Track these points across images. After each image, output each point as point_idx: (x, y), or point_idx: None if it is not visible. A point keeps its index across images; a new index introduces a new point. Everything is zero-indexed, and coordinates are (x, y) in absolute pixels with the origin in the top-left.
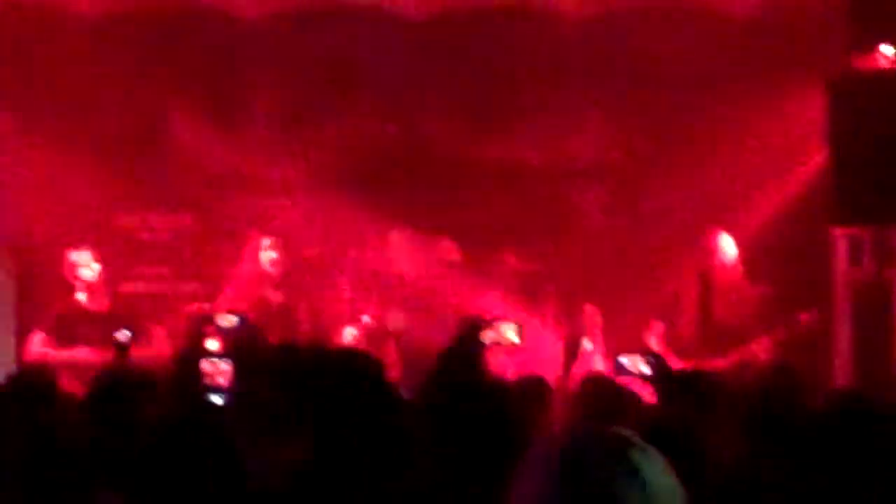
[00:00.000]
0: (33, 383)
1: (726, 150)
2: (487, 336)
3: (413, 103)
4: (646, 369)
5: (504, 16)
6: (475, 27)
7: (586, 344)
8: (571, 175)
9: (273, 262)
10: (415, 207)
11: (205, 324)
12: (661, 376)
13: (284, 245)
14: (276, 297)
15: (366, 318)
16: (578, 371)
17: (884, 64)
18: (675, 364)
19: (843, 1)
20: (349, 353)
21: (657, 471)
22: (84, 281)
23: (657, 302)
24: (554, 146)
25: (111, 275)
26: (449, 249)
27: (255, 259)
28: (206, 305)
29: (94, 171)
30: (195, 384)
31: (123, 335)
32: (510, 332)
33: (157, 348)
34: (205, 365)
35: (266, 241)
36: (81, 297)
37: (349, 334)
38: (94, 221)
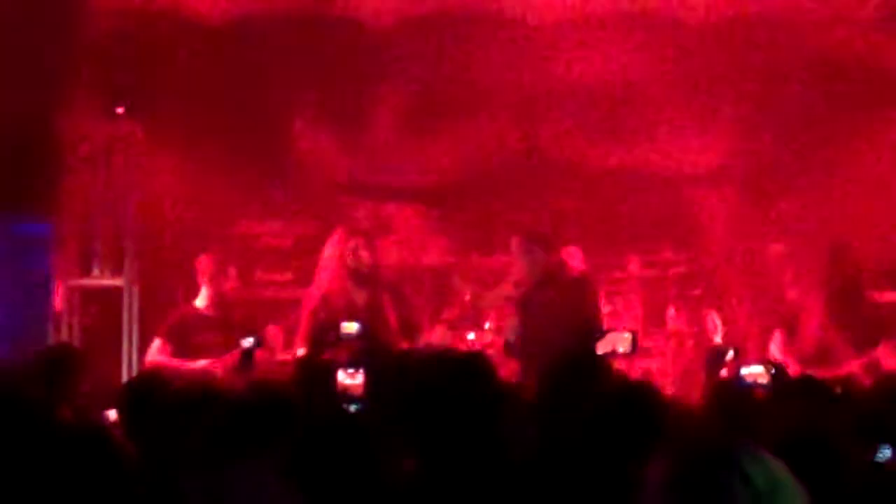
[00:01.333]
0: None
1: (852, 158)
2: (601, 346)
3: (536, 110)
4: (765, 380)
5: (627, 20)
6: (596, 32)
7: (731, 353)
8: (695, 181)
9: (361, 262)
10: (538, 214)
11: (327, 331)
12: (782, 385)
13: (370, 244)
14: (361, 297)
15: (487, 325)
16: (723, 380)
17: None
18: (796, 371)
19: None
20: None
21: (770, 479)
22: (207, 287)
23: (780, 309)
24: (678, 152)
25: (234, 281)
26: (573, 256)
27: (343, 258)
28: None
29: (218, 177)
30: (323, 391)
31: (248, 342)
32: (623, 342)
33: (277, 354)
34: (340, 376)
35: (353, 242)
36: (200, 302)
37: (469, 339)
38: (218, 228)
